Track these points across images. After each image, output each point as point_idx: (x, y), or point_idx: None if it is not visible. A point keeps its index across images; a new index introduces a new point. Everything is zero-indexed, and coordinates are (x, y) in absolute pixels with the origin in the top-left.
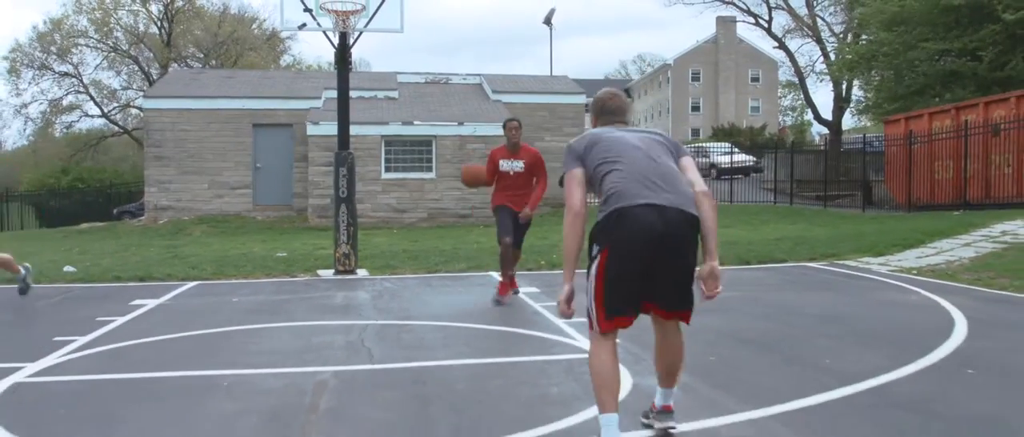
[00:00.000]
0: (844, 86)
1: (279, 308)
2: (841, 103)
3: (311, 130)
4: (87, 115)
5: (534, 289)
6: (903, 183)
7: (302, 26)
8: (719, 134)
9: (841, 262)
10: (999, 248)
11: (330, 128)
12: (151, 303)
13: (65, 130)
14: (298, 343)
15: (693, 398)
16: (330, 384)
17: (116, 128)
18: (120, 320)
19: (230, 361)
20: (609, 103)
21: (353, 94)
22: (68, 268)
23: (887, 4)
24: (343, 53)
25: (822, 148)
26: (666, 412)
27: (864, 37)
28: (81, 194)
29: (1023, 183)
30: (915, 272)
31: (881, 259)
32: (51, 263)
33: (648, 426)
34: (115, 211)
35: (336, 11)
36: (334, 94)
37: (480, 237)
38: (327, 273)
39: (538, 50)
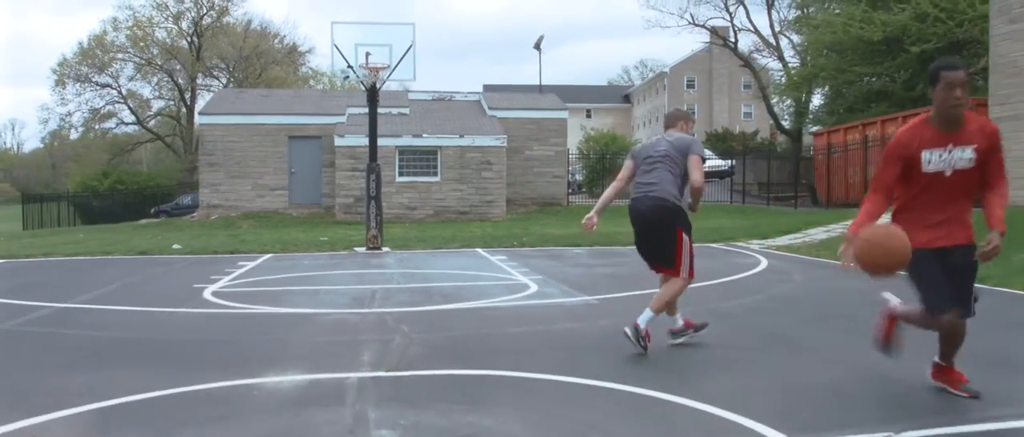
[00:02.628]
0: (804, 99)
1: (336, 265)
2: (800, 115)
3: (338, 142)
4: (123, 122)
5: (503, 257)
6: (825, 186)
7: (346, 77)
8: (713, 138)
9: (733, 243)
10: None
11: (353, 139)
12: (250, 264)
13: (102, 135)
14: (356, 283)
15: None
16: (378, 294)
17: (149, 134)
18: (239, 271)
19: (316, 293)
20: (666, 118)
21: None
22: (176, 246)
23: (824, 34)
24: (373, 94)
25: (771, 154)
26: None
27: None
28: (121, 195)
29: None
30: (771, 248)
31: (761, 241)
32: (155, 244)
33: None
34: (153, 210)
35: (370, 68)
36: (357, 110)
37: (475, 228)
38: (361, 249)
39: (546, 52)
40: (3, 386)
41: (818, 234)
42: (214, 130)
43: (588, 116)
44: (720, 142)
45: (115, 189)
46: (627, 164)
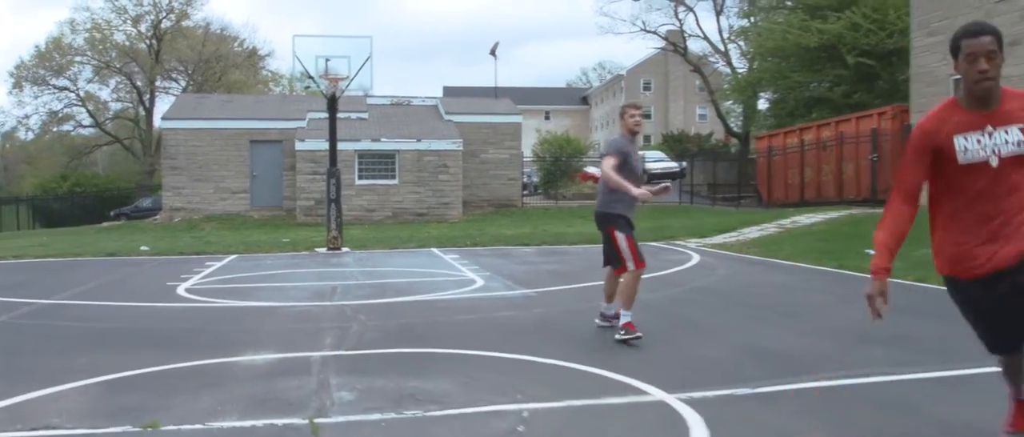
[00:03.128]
0: (751, 103)
1: (299, 264)
2: (748, 118)
3: (299, 146)
4: (81, 125)
5: (456, 256)
6: (766, 187)
7: (307, 87)
8: (669, 140)
9: (673, 241)
10: (776, 232)
11: (313, 144)
12: (217, 264)
13: (60, 137)
14: (317, 280)
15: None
16: (338, 289)
17: (107, 136)
18: (207, 270)
19: (281, 289)
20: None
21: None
22: (143, 248)
23: (766, 41)
24: (333, 103)
25: (717, 156)
26: (615, 317)
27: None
28: (80, 198)
29: (840, 186)
30: (706, 245)
31: (699, 239)
32: (122, 246)
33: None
34: (112, 213)
35: (330, 78)
36: (317, 115)
37: (431, 229)
38: (322, 250)
39: (510, 54)
40: (12, 367)
41: (752, 232)
42: (176, 134)
43: (547, 118)
44: (676, 143)
45: (74, 192)
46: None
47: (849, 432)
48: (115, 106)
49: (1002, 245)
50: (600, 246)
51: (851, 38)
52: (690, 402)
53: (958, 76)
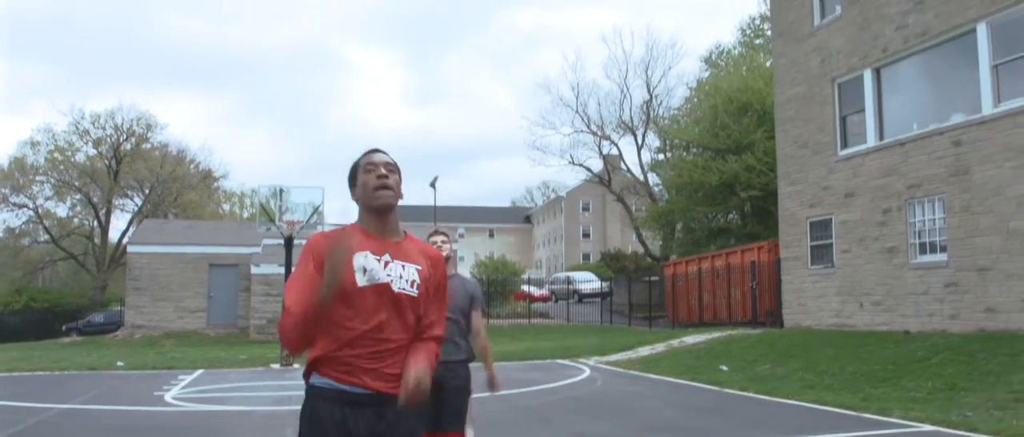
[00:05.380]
0: (668, 231)
1: (259, 378)
2: (666, 243)
3: (254, 270)
4: (36, 242)
5: None
6: (672, 308)
7: (268, 229)
8: (607, 258)
9: (577, 358)
10: (663, 351)
11: (267, 268)
12: (188, 377)
13: (15, 253)
14: (276, 390)
15: None
16: (293, 397)
17: (62, 252)
18: (182, 383)
19: (249, 397)
20: None
21: (283, 242)
22: (119, 363)
23: (677, 177)
24: (289, 242)
25: (631, 278)
26: None
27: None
28: (34, 313)
29: (731, 309)
30: (603, 362)
31: (599, 357)
32: (99, 361)
33: None
34: (64, 327)
35: (288, 222)
36: (270, 242)
37: None
38: (276, 366)
39: (458, 170)
40: None
41: (644, 351)
42: (141, 258)
43: (491, 236)
44: (614, 261)
45: (29, 306)
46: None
47: None
48: (72, 222)
49: None
50: (520, 363)
51: (746, 178)
52: None
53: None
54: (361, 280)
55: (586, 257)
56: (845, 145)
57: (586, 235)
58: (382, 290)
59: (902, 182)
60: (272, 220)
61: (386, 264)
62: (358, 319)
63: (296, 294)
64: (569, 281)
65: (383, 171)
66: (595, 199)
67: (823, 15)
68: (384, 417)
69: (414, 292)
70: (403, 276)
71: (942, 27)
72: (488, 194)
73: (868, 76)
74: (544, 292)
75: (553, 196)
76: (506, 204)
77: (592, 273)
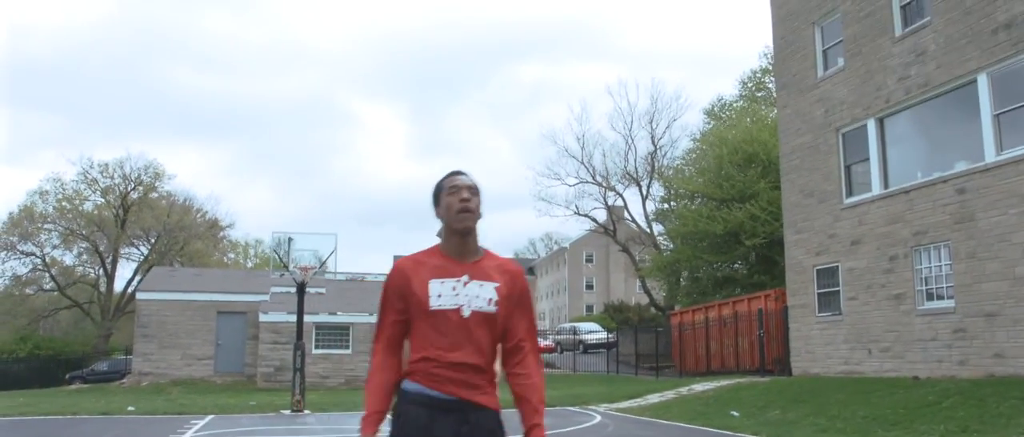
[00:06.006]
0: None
1: (271, 422)
2: (671, 293)
3: (262, 318)
4: (42, 289)
5: None
6: (679, 357)
7: (281, 275)
8: (610, 309)
9: (586, 406)
10: (673, 398)
11: (276, 316)
12: (200, 423)
13: (21, 301)
14: (289, 434)
15: None
16: None
17: (68, 300)
18: (194, 428)
19: None
20: None
21: (292, 290)
22: (130, 407)
23: (681, 226)
24: (301, 289)
25: (638, 329)
26: None
27: (670, 248)
28: (38, 361)
29: (738, 357)
30: (612, 409)
31: (608, 404)
32: (110, 406)
33: None
34: (68, 376)
35: (301, 268)
36: (278, 289)
37: None
38: (287, 411)
39: None
40: None
41: (653, 398)
42: (150, 306)
43: None
44: (617, 313)
45: (33, 354)
46: None
47: None
48: (78, 271)
49: None
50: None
51: (751, 226)
52: None
53: None
54: (435, 303)
55: (590, 308)
56: (850, 193)
57: (589, 286)
58: (456, 312)
59: (908, 229)
60: (285, 267)
61: (465, 284)
62: (439, 337)
63: (378, 356)
64: (574, 331)
65: (466, 194)
66: (599, 250)
67: (826, 67)
68: (467, 421)
69: (492, 309)
70: (480, 295)
71: (943, 78)
72: (490, 246)
73: (872, 126)
74: (548, 343)
75: (556, 247)
76: (508, 256)
77: (597, 324)
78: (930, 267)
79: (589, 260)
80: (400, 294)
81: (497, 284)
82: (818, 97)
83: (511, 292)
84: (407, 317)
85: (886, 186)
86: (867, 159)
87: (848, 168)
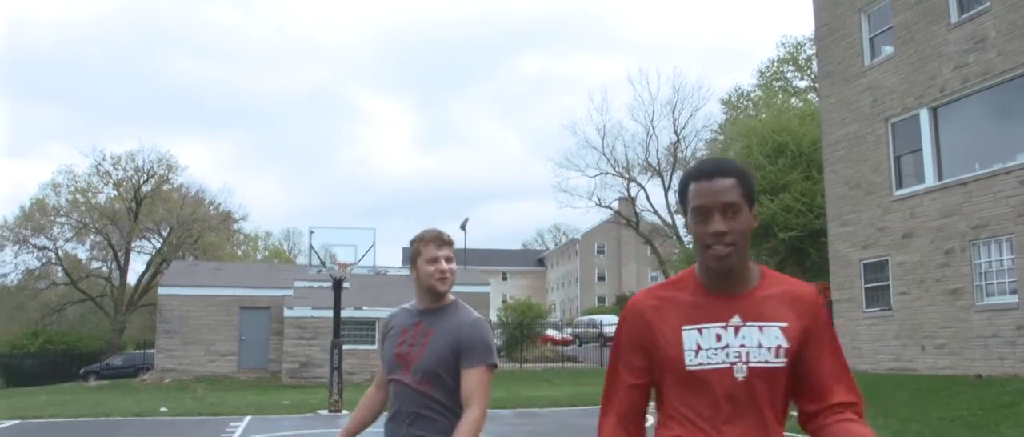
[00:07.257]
0: None
1: (310, 425)
2: None
3: (287, 313)
4: (54, 283)
5: None
6: None
7: (319, 270)
8: (622, 301)
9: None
10: None
11: (301, 311)
12: (241, 425)
13: (33, 294)
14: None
15: None
16: None
17: (80, 294)
18: (237, 431)
19: None
20: None
21: (316, 284)
22: (163, 408)
23: None
24: (338, 285)
25: None
26: None
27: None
28: (50, 356)
29: None
30: None
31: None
32: (144, 407)
33: None
34: (82, 371)
35: (339, 264)
36: (302, 284)
37: None
38: (324, 411)
39: (466, 212)
40: None
41: None
42: (172, 300)
43: (504, 279)
44: None
45: (45, 349)
46: None
47: None
48: (91, 265)
49: None
50: (572, 409)
51: (783, 219)
52: None
53: None
54: (692, 362)
55: (601, 300)
56: (900, 185)
57: (601, 278)
58: (722, 375)
59: (965, 222)
60: (323, 262)
61: (736, 330)
62: (700, 406)
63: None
64: (594, 324)
65: (723, 217)
66: (610, 241)
67: (873, 55)
68: None
69: (780, 362)
70: (761, 344)
71: (1006, 66)
72: (498, 237)
73: (925, 116)
74: (566, 335)
75: (566, 239)
76: (517, 247)
77: (616, 316)
78: (990, 261)
79: (601, 251)
80: (638, 346)
81: (784, 324)
82: (865, 86)
83: (807, 326)
84: (650, 378)
85: (940, 178)
86: (919, 150)
87: (898, 159)
